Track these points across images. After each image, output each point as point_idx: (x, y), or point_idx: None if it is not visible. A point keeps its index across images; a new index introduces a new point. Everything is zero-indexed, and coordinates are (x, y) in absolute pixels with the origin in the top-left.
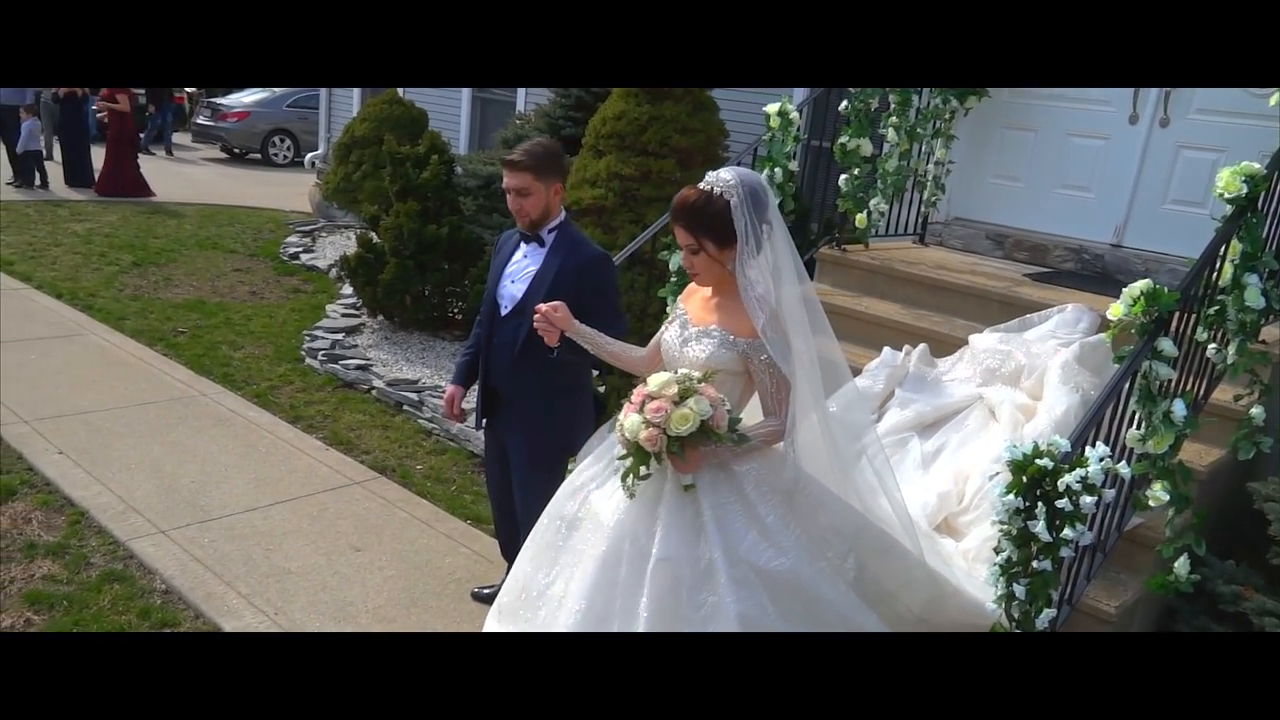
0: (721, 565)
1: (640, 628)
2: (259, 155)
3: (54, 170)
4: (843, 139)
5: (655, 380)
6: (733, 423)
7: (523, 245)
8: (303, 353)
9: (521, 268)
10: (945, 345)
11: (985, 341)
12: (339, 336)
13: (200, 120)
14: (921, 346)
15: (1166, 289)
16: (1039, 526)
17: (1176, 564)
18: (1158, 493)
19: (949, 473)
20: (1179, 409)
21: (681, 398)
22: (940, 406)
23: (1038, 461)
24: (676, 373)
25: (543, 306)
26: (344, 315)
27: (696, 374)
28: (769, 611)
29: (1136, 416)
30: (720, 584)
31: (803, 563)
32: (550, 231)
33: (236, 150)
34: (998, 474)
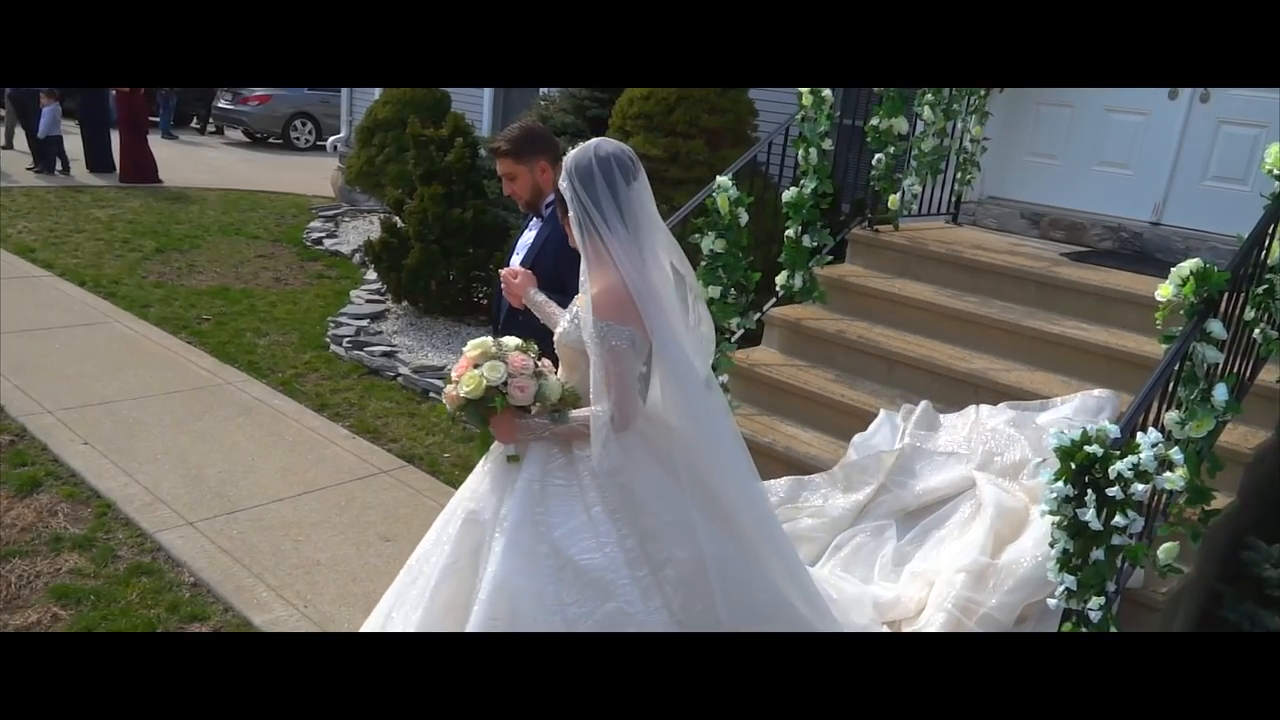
0: (505, 531)
1: (434, 580)
2: (280, 139)
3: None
4: (874, 119)
5: (472, 343)
6: (541, 396)
7: (533, 221)
8: (327, 339)
9: (525, 243)
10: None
11: (994, 420)
12: (364, 323)
13: (221, 104)
14: (923, 406)
15: (1216, 268)
16: (1089, 515)
17: (1162, 549)
18: (1174, 478)
19: (909, 578)
20: (1220, 393)
21: (485, 360)
22: (925, 493)
23: (1086, 448)
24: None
25: (504, 271)
26: (368, 301)
27: (513, 342)
28: (565, 602)
29: (1178, 398)
30: (494, 551)
31: (619, 565)
32: (547, 206)
33: (258, 134)
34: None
